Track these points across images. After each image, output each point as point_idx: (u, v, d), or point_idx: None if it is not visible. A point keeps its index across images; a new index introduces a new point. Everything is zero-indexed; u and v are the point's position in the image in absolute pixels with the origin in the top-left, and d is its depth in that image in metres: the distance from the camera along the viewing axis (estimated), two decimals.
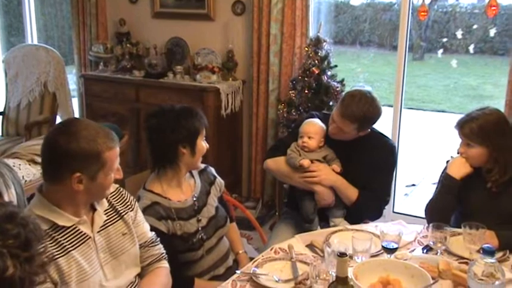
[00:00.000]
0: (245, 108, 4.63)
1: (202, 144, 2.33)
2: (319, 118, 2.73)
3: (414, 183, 5.89)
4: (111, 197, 1.98)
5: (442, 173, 2.54)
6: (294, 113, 3.96)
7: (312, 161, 2.62)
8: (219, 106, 4.34)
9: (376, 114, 2.55)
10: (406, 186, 5.75)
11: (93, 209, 1.90)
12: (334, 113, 2.60)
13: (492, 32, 9.46)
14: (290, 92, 4.07)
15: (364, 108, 2.50)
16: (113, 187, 1.99)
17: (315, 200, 2.64)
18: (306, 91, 3.95)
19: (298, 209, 2.71)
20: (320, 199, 2.62)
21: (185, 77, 4.55)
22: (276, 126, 4.31)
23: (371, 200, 2.63)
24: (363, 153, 2.63)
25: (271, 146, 3.00)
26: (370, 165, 2.61)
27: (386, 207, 2.75)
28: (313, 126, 2.67)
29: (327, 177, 2.60)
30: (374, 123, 2.60)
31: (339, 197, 2.64)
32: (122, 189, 2.04)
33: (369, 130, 2.62)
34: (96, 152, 1.75)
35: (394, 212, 4.36)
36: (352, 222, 2.60)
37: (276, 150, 2.77)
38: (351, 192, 2.62)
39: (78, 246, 1.81)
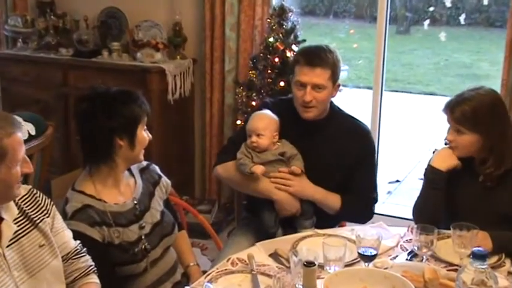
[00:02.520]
0: (197, 93, 4.62)
1: (143, 135, 2.33)
2: (275, 106, 2.74)
3: (398, 179, 5.99)
4: (21, 202, 1.94)
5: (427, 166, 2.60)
6: (255, 97, 3.97)
7: (264, 164, 2.61)
8: (164, 90, 4.31)
9: (339, 57, 2.65)
10: (389, 182, 5.84)
11: (0, 219, 1.86)
12: (299, 76, 2.61)
13: None
14: (250, 72, 4.07)
15: (327, 50, 2.61)
16: (24, 189, 1.96)
17: (276, 210, 2.65)
18: (269, 71, 3.96)
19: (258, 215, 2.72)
20: (281, 209, 2.64)
21: (123, 55, 4.51)
22: (234, 113, 4.32)
23: (357, 202, 2.68)
24: (336, 141, 2.67)
25: (221, 148, 3.00)
26: (347, 160, 2.66)
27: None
28: (261, 121, 2.65)
29: (302, 189, 2.62)
30: (339, 71, 2.67)
31: (305, 204, 2.66)
32: (35, 191, 2.01)
33: (339, 84, 2.65)
34: None
35: (374, 213, 4.42)
36: (328, 227, 2.62)
37: (226, 153, 2.76)
38: (333, 201, 2.67)
39: None
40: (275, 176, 2.62)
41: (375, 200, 2.77)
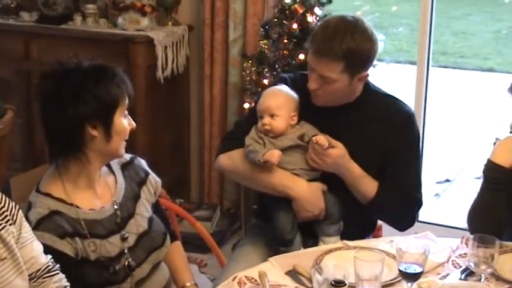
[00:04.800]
0: (193, 68, 4.63)
1: (123, 123, 2.32)
2: (294, 82, 2.73)
3: (448, 178, 5.98)
4: None
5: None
6: (267, 74, 3.96)
7: (282, 150, 2.59)
8: (153, 65, 4.32)
9: (366, 44, 2.55)
10: (437, 182, 5.83)
11: None
12: (308, 58, 2.61)
13: None
14: (261, 42, 4.07)
15: (346, 37, 2.51)
16: None
17: (294, 211, 2.64)
18: (285, 40, 3.95)
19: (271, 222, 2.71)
20: (300, 209, 2.62)
21: (101, 21, 4.51)
22: (241, 94, 4.33)
23: (397, 196, 2.65)
24: (368, 127, 2.66)
25: (226, 134, 2.98)
26: (380, 148, 2.64)
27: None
28: (275, 98, 2.63)
29: (335, 160, 2.59)
30: (369, 59, 2.60)
31: (331, 205, 2.65)
32: None
33: (367, 74, 2.63)
34: None
35: (418, 220, 4.41)
36: (358, 237, 2.62)
37: (232, 139, 2.75)
38: (368, 185, 2.64)
39: None
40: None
41: (420, 202, 2.74)
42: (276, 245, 2.64)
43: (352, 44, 2.50)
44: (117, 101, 2.29)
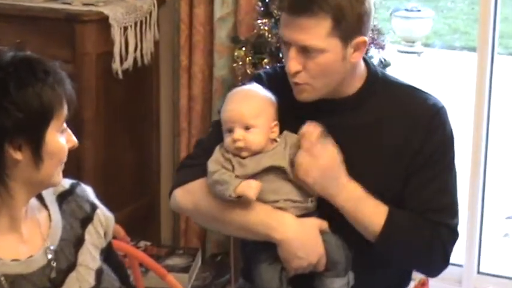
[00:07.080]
0: (164, 58, 4.69)
1: (59, 141, 2.29)
2: (272, 79, 2.76)
3: None
4: None
5: None
6: (266, 65, 3.97)
7: (255, 177, 2.56)
8: (108, 54, 4.33)
9: None
10: (507, 218, 5.85)
11: None
12: (281, 27, 2.60)
13: None
14: (258, 22, 4.10)
15: None
16: None
17: (281, 262, 2.61)
18: None
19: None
20: (289, 257, 2.59)
21: None
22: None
23: (417, 225, 2.63)
24: (374, 129, 2.65)
25: (184, 159, 2.98)
26: (399, 161, 2.63)
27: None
28: (249, 101, 2.62)
29: (328, 162, 2.57)
30: (363, 17, 2.56)
31: (334, 249, 2.62)
32: None
33: (365, 40, 2.59)
34: None
35: (479, 272, 4.40)
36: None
37: (190, 167, 2.77)
38: (373, 211, 2.61)
39: None
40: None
41: (454, 233, 2.70)
42: None
43: None
44: (50, 112, 2.25)
